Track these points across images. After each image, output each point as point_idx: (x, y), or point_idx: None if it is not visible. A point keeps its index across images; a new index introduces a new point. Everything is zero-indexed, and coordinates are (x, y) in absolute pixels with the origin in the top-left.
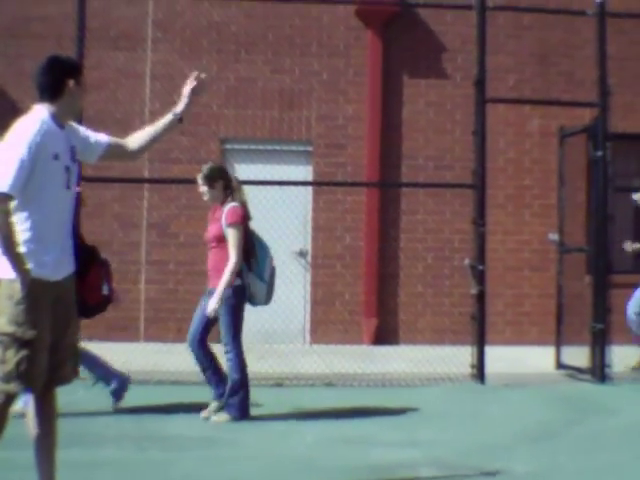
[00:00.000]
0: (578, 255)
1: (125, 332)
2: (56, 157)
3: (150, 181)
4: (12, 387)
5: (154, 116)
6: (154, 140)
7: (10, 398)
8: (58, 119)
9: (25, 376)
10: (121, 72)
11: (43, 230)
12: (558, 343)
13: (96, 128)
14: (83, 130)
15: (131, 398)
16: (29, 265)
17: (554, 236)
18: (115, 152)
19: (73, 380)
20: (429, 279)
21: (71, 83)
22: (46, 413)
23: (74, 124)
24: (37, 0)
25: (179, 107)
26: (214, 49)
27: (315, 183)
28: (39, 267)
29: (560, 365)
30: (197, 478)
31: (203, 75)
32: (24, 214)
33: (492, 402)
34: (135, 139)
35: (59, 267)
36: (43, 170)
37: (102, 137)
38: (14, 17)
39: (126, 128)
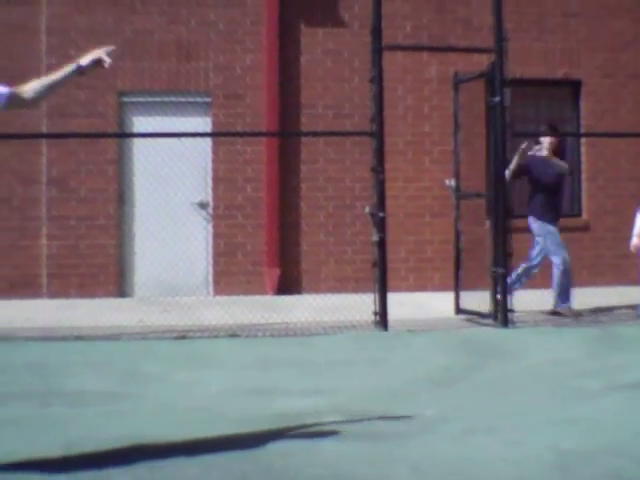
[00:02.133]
0: (478, 200)
1: (27, 289)
2: None
3: (48, 136)
4: None
5: (51, 71)
6: (52, 88)
7: None
8: None
9: None
10: (15, 27)
11: None
12: (457, 288)
13: None
14: None
15: (35, 354)
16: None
17: (450, 182)
18: (16, 102)
19: None
20: (331, 228)
21: None
22: None
23: None
24: None
25: (85, 60)
26: (110, 2)
27: (214, 134)
28: None
29: (460, 310)
30: (101, 433)
31: (108, 61)
32: None
33: (395, 348)
34: (32, 87)
35: None
36: None
37: (2, 88)
38: None
39: (23, 82)
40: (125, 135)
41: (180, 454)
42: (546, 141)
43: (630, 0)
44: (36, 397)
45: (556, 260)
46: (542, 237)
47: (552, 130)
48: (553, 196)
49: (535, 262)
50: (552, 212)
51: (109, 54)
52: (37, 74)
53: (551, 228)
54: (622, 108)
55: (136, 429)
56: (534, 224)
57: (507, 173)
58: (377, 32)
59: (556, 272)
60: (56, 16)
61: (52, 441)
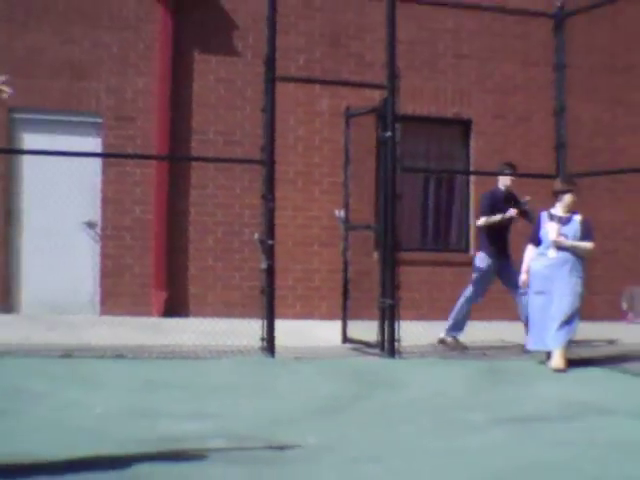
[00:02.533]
0: (367, 232)
1: None
2: None
3: None
4: None
5: None
6: None
7: None
8: None
9: None
10: None
11: None
12: (345, 318)
13: None
14: None
15: None
16: None
17: (340, 213)
18: None
19: None
20: (219, 253)
21: None
22: None
23: None
24: None
25: None
26: (3, 17)
27: (105, 155)
28: None
29: (347, 339)
30: None
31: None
32: None
33: (282, 375)
34: None
35: None
36: None
37: None
38: None
39: None
40: (14, 151)
41: (61, 473)
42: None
43: (521, 45)
44: None
45: (468, 291)
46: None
47: (511, 168)
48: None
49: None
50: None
51: (3, 83)
52: None
53: (490, 262)
54: (510, 149)
55: (17, 447)
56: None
57: (481, 221)
58: (271, 62)
59: (461, 300)
60: None
61: None
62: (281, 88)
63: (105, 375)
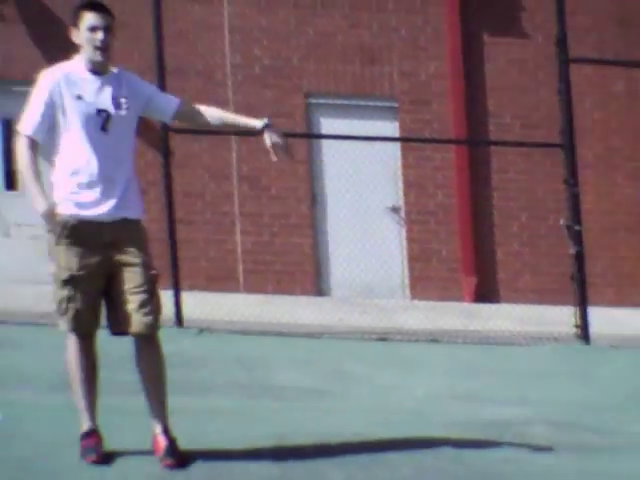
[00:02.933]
0: None
1: (225, 282)
2: (79, 97)
3: (236, 133)
4: (61, 325)
5: (236, 68)
6: (225, 126)
7: (77, 336)
8: (87, 65)
9: (66, 316)
10: (199, 24)
11: (76, 169)
12: None
13: (179, 80)
14: (149, 88)
15: (238, 348)
16: (50, 201)
17: None
18: (188, 116)
19: (142, 332)
20: (525, 238)
21: (73, 30)
22: (93, 355)
23: (135, 78)
24: None
25: (269, 135)
26: (290, 3)
27: (404, 139)
28: (76, 207)
29: None
30: (307, 428)
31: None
32: (58, 154)
33: (599, 363)
34: (213, 115)
35: (101, 208)
36: (65, 110)
37: (173, 99)
38: None
39: (209, 80)
40: (316, 136)
41: (391, 454)
42: None
43: None
44: (241, 389)
45: None
46: None
47: None
48: None
49: None
50: None
51: (285, 151)
52: (222, 71)
53: None
54: None
55: (343, 426)
56: None
57: None
58: (562, 43)
59: None
60: (238, 15)
61: (262, 433)
62: (574, 69)
63: (422, 359)
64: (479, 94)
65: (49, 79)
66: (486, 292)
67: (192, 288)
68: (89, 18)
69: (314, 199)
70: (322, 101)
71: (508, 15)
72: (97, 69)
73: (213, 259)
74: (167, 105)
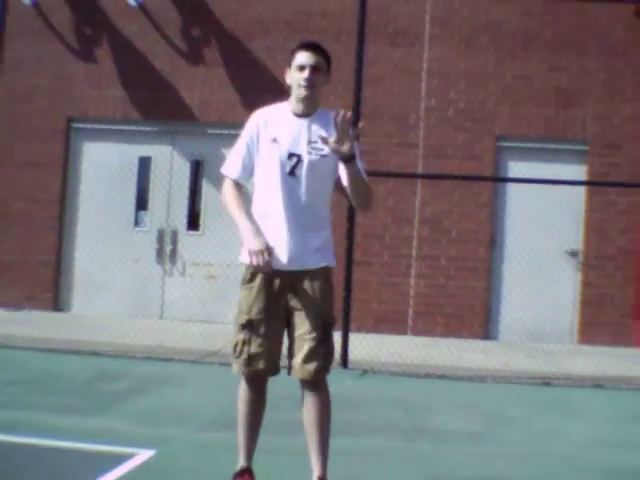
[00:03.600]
0: None
1: (393, 324)
2: (274, 140)
3: (424, 176)
4: (235, 367)
5: (430, 112)
6: (354, 196)
7: (246, 380)
8: (292, 106)
9: (241, 359)
10: (397, 68)
11: (264, 214)
12: None
13: (372, 122)
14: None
15: (400, 389)
16: (263, 241)
17: None
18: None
19: (308, 379)
20: None
21: (287, 70)
22: (261, 400)
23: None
24: None
25: (341, 151)
26: (491, 47)
27: (588, 183)
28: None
29: None
30: (463, 473)
31: (348, 114)
32: (255, 197)
33: None
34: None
35: (282, 257)
36: (261, 153)
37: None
38: (296, 11)
39: (402, 123)
40: (501, 179)
41: None
42: None
43: None
44: (400, 431)
45: None
46: None
47: None
48: None
49: None
50: None
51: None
52: (416, 114)
53: None
54: None
55: (498, 472)
56: None
57: None
58: None
59: None
60: (437, 58)
61: (416, 476)
62: None
63: (584, 404)
64: None
65: (252, 121)
66: None
67: (360, 330)
68: (299, 57)
69: (493, 242)
70: (513, 144)
71: None
72: (301, 110)
73: (385, 301)
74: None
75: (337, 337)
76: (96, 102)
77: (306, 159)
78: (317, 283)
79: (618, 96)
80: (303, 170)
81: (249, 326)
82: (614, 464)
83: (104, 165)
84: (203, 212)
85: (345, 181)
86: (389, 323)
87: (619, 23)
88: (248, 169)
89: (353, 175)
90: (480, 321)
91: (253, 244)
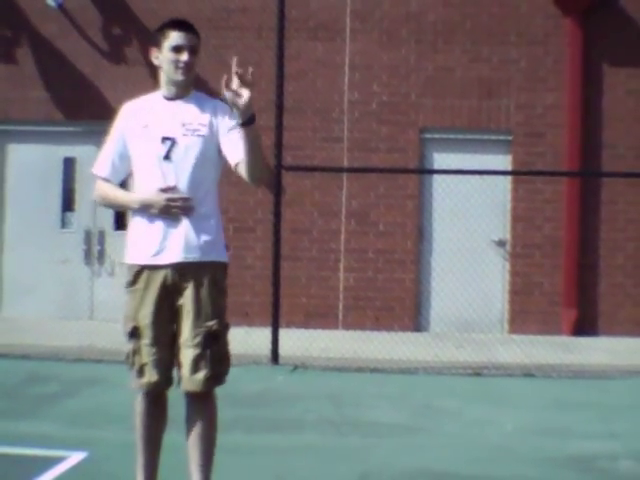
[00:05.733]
0: None
1: (323, 319)
2: (146, 127)
3: (349, 170)
4: (131, 380)
5: (354, 105)
6: (251, 166)
7: (142, 393)
8: (163, 90)
9: (133, 370)
10: (320, 62)
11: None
12: None
13: (297, 117)
14: (225, 125)
15: (331, 384)
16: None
17: None
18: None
19: (196, 390)
20: (629, 270)
21: (154, 51)
22: (159, 414)
23: (223, 106)
24: None
25: (238, 118)
26: (412, 39)
27: (514, 172)
28: (135, 252)
29: None
30: (396, 465)
31: (250, 70)
32: (135, 188)
33: None
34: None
35: (163, 251)
36: (134, 144)
37: (236, 154)
38: (216, 8)
39: (326, 117)
40: (426, 171)
41: None
42: None
43: None
44: (332, 426)
45: None
46: None
47: None
48: None
49: None
50: None
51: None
52: (340, 108)
53: None
54: None
55: (430, 463)
56: None
57: None
58: None
59: None
60: (359, 52)
61: (348, 470)
62: None
63: (515, 393)
64: (595, 125)
65: (119, 116)
66: (586, 325)
67: (290, 325)
68: (175, 37)
69: (420, 234)
70: (437, 136)
71: (630, 44)
72: (174, 93)
73: (314, 296)
74: (233, 152)
75: (267, 333)
76: (18, 103)
77: (181, 141)
78: (204, 280)
79: (540, 85)
80: (179, 153)
81: (136, 334)
82: (545, 452)
83: (29, 167)
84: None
85: (234, 155)
86: (319, 318)
87: (539, 12)
88: (118, 167)
89: (251, 141)
90: (410, 313)
91: (156, 199)
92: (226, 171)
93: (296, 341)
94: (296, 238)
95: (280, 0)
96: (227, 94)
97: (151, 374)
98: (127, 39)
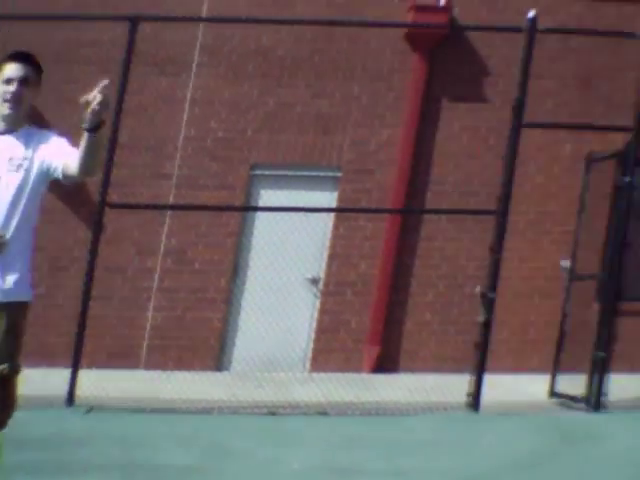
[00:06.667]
0: (590, 283)
1: (126, 359)
2: None
3: (173, 207)
4: None
5: (188, 141)
6: (84, 162)
7: None
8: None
9: None
10: (162, 97)
11: None
12: (554, 371)
13: (129, 153)
14: (56, 145)
15: (123, 426)
16: None
17: (565, 263)
18: (67, 175)
19: None
20: (438, 307)
21: None
22: None
23: (48, 135)
24: (90, 25)
25: (85, 123)
26: (258, 74)
27: (334, 209)
28: None
29: (554, 393)
30: None
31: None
32: None
33: (485, 431)
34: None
35: None
36: None
37: (58, 160)
38: (65, 41)
39: (159, 153)
40: (248, 208)
41: None
42: None
43: None
44: (119, 469)
45: None
46: None
47: None
48: None
49: None
50: None
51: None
52: (174, 144)
53: None
54: None
55: None
56: None
57: None
58: (519, 109)
59: None
60: (202, 87)
61: None
62: (525, 133)
63: (307, 432)
64: (424, 161)
65: None
66: (386, 362)
67: (91, 366)
68: (7, 70)
69: (235, 272)
70: (267, 172)
71: (473, 80)
72: (3, 127)
73: (119, 336)
74: (55, 167)
75: (65, 374)
76: None
77: (4, 178)
78: (1, 323)
79: (377, 121)
80: (2, 190)
81: None
82: None
83: None
84: None
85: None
86: (122, 358)
87: (387, 47)
88: None
89: (93, 144)
90: (213, 353)
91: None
92: (49, 209)
93: (95, 381)
94: (109, 277)
95: (130, 32)
96: (82, 98)
97: None
98: None
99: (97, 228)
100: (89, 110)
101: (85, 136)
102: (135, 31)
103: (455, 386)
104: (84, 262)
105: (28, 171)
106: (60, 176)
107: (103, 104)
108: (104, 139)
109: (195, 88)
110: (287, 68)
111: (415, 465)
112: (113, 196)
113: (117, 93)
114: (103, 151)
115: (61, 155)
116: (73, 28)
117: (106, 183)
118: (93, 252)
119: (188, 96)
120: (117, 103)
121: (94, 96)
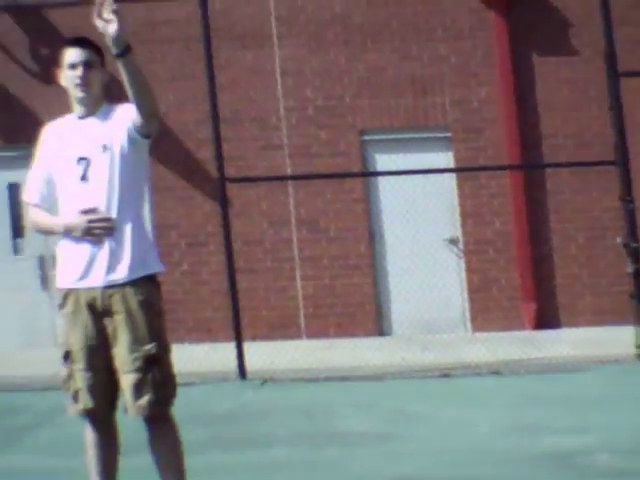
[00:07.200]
0: None
1: (287, 330)
2: (62, 149)
3: (294, 177)
4: (68, 406)
5: (290, 112)
6: (137, 99)
7: (79, 417)
8: (75, 109)
9: (69, 395)
10: (251, 70)
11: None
12: None
13: (234, 127)
14: (123, 108)
15: (300, 396)
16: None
17: None
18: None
19: (142, 416)
20: (583, 260)
21: (57, 72)
22: (106, 443)
23: (119, 108)
24: (160, 4)
25: (113, 48)
26: (340, 41)
27: (457, 169)
28: (63, 275)
29: None
30: (375, 475)
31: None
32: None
33: None
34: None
35: (88, 274)
36: (56, 166)
37: (128, 118)
38: (139, 22)
39: (263, 125)
40: (371, 174)
41: None
42: None
43: None
44: (304, 440)
45: None
46: None
47: None
48: None
49: None
50: None
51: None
52: (276, 116)
53: None
54: None
55: (410, 470)
56: None
57: None
58: (612, 58)
59: None
60: (289, 58)
61: None
62: (626, 84)
63: (484, 393)
64: (531, 116)
65: (40, 139)
66: (547, 318)
67: (255, 338)
68: (69, 55)
69: (372, 237)
70: (376, 137)
71: (556, 33)
72: (83, 112)
73: (275, 307)
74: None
75: (231, 348)
76: None
77: (95, 160)
78: (135, 302)
79: (472, 79)
80: (95, 173)
81: (69, 358)
82: (518, 450)
83: None
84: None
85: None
86: (282, 329)
87: (462, 6)
88: (45, 192)
89: (131, 72)
90: (372, 318)
91: (77, 222)
92: (170, 187)
93: (261, 354)
94: (248, 250)
95: (204, 10)
96: (98, 23)
97: (86, 400)
98: (55, 58)
99: (223, 203)
100: (110, 32)
101: (121, 66)
102: (206, 6)
103: (620, 338)
104: (220, 237)
105: (115, 148)
106: (138, 132)
107: (115, 13)
108: (142, 71)
109: (282, 59)
110: (368, 34)
111: (601, 421)
112: (230, 170)
113: (206, 69)
114: (149, 84)
115: (128, 113)
116: (146, 8)
117: (219, 157)
118: (226, 227)
119: (277, 67)
120: (208, 79)
121: (109, 18)
